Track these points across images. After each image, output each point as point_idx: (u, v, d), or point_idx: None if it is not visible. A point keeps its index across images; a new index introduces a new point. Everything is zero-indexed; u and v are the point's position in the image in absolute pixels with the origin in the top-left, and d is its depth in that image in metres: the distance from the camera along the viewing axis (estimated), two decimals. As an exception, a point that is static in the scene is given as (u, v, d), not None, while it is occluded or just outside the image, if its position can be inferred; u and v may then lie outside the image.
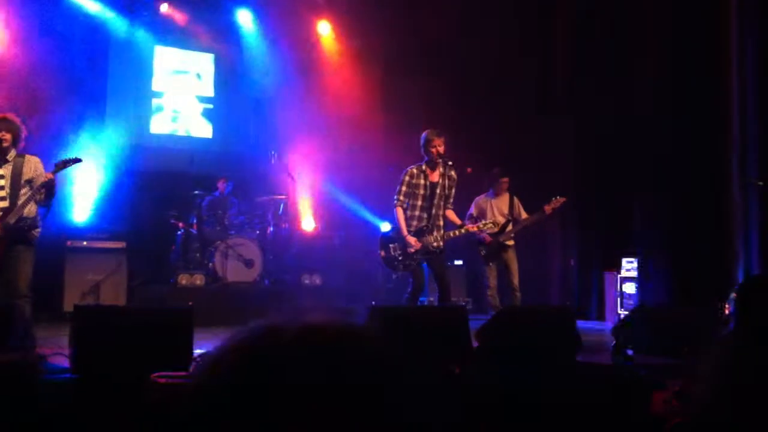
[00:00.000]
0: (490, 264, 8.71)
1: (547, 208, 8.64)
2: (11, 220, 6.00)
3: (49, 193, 6.18)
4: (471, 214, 8.87)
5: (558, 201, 8.65)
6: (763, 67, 8.49)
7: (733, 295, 3.37)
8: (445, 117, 10.21)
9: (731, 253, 8.78)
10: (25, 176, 6.11)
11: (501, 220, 8.78)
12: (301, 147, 11.52)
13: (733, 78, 8.85)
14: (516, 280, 8.63)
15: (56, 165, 6.24)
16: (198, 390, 0.88)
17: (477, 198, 9.03)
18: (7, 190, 6.05)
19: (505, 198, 8.92)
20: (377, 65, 12.00)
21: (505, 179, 8.89)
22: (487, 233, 8.69)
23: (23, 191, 6.10)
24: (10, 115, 6.26)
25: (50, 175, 6.06)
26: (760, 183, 8.23)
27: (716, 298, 7.36)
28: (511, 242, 8.77)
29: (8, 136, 6.11)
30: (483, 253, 8.72)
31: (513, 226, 8.79)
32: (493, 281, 8.69)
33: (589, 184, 10.41)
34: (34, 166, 6.17)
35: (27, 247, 6.10)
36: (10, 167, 6.10)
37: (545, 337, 6.43)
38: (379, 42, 11.83)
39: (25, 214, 6.08)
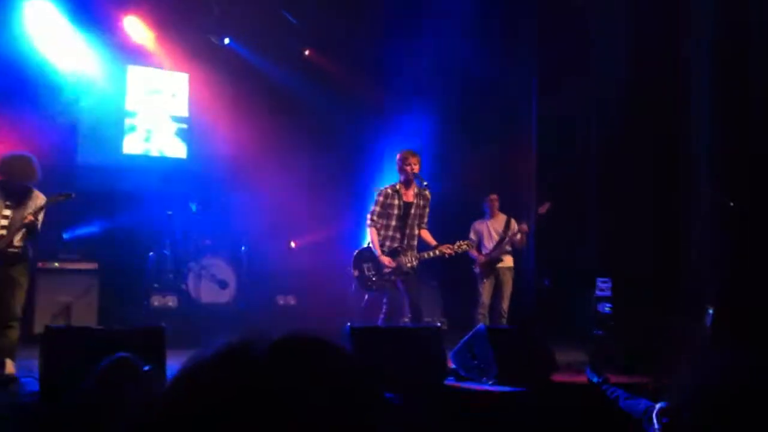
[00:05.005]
0: (485, 280, 8.70)
1: (524, 227, 8.68)
2: (0, 245, 6.23)
3: (30, 231, 6.42)
4: (471, 240, 8.86)
5: (544, 207, 8.69)
6: (722, 85, 8.63)
7: (710, 311, 3.40)
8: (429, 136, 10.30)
9: (700, 271, 8.86)
10: (29, 210, 6.37)
11: (497, 238, 8.81)
12: (277, 165, 11.49)
13: (693, 95, 8.99)
14: (506, 305, 8.63)
15: (47, 199, 6.51)
16: (171, 407, 0.86)
17: (474, 223, 9.05)
18: (10, 221, 6.35)
19: (501, 218, 8.95)
20: (358, 87, 12.01)
21: (494, 196, 8.93)
22: (482, 254, 8.73)
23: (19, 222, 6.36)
24: (29, 157, 6.53)
25: (30, 217, 6.27)
26: (731, 203, 8.32)
27: (688, 316, 7.41)
28: (508, 262, 8.76)
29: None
30: (477, 270, 8.73)
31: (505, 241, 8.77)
32: (486, 299, 8.69)
33: (562, 204, 10.45)
34: (39, 203, 6.45)
35: (21, 272, 6.40)
36: (20, 202, 6.41)
37: (520, 358, 6.45)
38: (360, 67, 11.86)
39: (15, 242, 6.33)
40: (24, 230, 6.35)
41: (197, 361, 0.89)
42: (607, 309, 9.87)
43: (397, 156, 7.38)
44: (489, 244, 8.85)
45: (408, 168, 7.26)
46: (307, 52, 12.29)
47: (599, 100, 10.18)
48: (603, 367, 5.67)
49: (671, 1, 9.21)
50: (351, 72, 12.03)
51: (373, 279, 7.24)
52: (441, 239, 7.56)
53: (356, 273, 7.36)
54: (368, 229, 7.33)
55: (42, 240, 9.58)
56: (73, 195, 6.79)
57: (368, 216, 7.34)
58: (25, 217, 6.27)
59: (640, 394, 4.68)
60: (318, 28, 11.84)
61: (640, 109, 9.45)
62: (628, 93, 9.64)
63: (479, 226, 8.99)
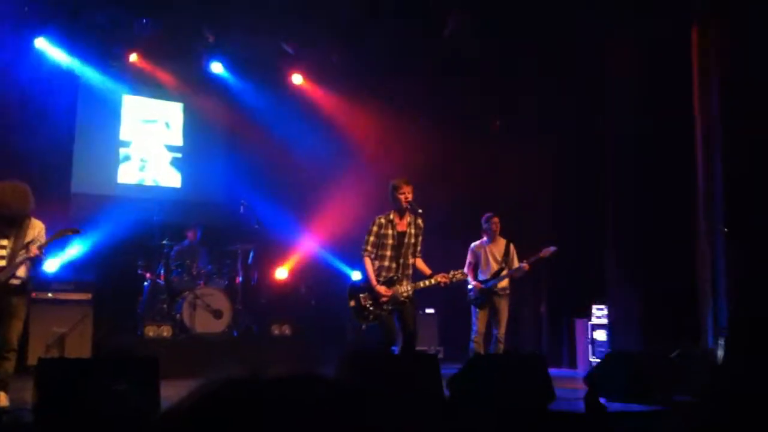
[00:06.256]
0: (480, 310, 8.62)
1: (525, 266, 8.64)
2: (1, 277, 6.22)
3: (34, 264, 6.45)
4: (470, 263, 8.81)
5: (548, 251, 8.60)
6: (726, 118, 8.66)
7: (721, 340, 3.38)
8: (417, 163, 10.32)
9: (700, 298, 8.85)
10: (27, 239, 6.37)
11: (495, 266, 8.74)
12: (271, 195, 11.50)
13: (698, 128, 9.02)
14: (502, 332, 8.54)
15: (53, 234, 6.53)
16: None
17: (472, 245, 8.95)
18: (8, 251, 6.33)
19: (501, 244, 8.84)
20: (348, 115, 12.05)
21: (496, 219, 8.83)
22: (478, 280, 8.67)
23: (21, 252, 6.33)
24: (21, 186, 6.49)
25: (36, 251, 6.29)
26: (726, 230, 8.35)
27: (688, 342, 7.38)
28: (504, 284, 8.70)
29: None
30: (472, 296, 8.66)
31: (504, 273, 8.70)
32: (481, 327, 8.60)
33: (561, 231, 10.43)
34: (38, 231, 6.45)
35: (21, 303, 6.38)
36: (17, 230, 6.38)
37: (517, 387, 6.41)
38: (352, 94, 11.91)
39: (17, 274, 6.32)
40: (28, 262, 6.35)
41: (201, 389, 0.89)
42: (604, 336, 9.86)
43: (390, 185, 7.32)
44: (486, 270, 8.78)
45: (401, 197, 7.20)
46: (297, 79, 12.31)
47: (615, 133, 10.18)
48: (601, 395, 5.64)
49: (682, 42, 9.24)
50: (344, 100, 12.09)
51: (370, 309, 7.18)
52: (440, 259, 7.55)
53: (352, 303, 7.29)
54: (363, 260, 7.28)
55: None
56: (80, 230, 6.84)
57: (363, 246, 7.30)
58: (30, 250, 6.26)
59: (639, 423, 4.66)
60: (312, 56, 11.90)
61: (652, 140, 9.45)
62: (641, 119, 9.65)
63: (478, 249, 8.89)
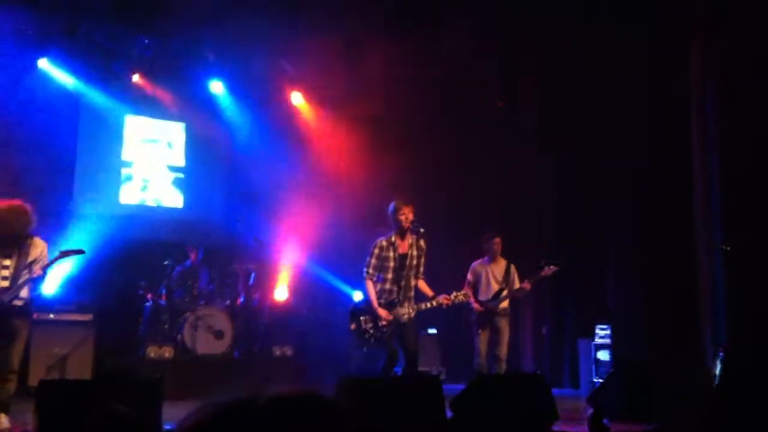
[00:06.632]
0: (481, 330, 8.60)
1: (526, 285, 8.63)
2: (5, 298, 6.24)
3: (36, 284, 6.50)
4: (469, 281, 8.80)
5: (549, 269, 8.59)
6: (724, 137, 8.66)
7: (719, 358, 3.35)
8: (422, 181, 10.30)
9: (700, 314, 8.82)
10: (30, 258, 6.39)
11: (495, 286, 8.72)
12: (272, 215, 11.49)
13: (695, 146, 9.02)
14: (504, 350, 8.51)
15: (57, 254, 6.52)
16: None
17: (473, 264, 8.93)
18: (11, 271, 6.34)
19: (501, 264, 8.83)
20: (350, 134, 12.05)
21: (497, 239, 8.81)
22: (479, 300, 8.64)
23: (24, 272, 6.35)
24: (22, 205, 6.53)
25: (40, 272, 6.32)
26: (724, 247, 8.33)
27: (690, 359, 7.34)
28: (504, 304, 8.68)
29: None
30: (473, 317, 8.65)
31: (505, 293, 8.69)
32: (483, 348, 8.57)
33: (562, 251, 10.40)
34: (40, 250, 6.47)
35: (23, 324, 6.39)
36: (19, 250, 6.39)
37: (520, 407, 6.37)
38: (353, 110, 11.90)
39: (21, 295, 6.35)
40: (30, 283, 6.34)
41: (203, 411, 0.89)
42: (607, 356, 9.81)
43: (390, 207, 7.29)
44: (486, 290, 8.76)
45: (401, 218, 7.17)
46: (296, 98, 12.32)
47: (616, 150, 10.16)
48: (604, 416, 5.61)
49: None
50: (343, 117, 12.09)
51: (371, 332, 7.15)
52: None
53: (353, 326, 7.25)
54: (365, 282, 7.25)
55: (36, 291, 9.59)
56: (84, 251, 6.86)
57: (364, 269, 7.27)
58: (33, 270, 6.27)
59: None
60: (312, 73, 11.90)
61: (652, 154, 9.45)
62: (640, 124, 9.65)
63: (479, 268, 8.87)
